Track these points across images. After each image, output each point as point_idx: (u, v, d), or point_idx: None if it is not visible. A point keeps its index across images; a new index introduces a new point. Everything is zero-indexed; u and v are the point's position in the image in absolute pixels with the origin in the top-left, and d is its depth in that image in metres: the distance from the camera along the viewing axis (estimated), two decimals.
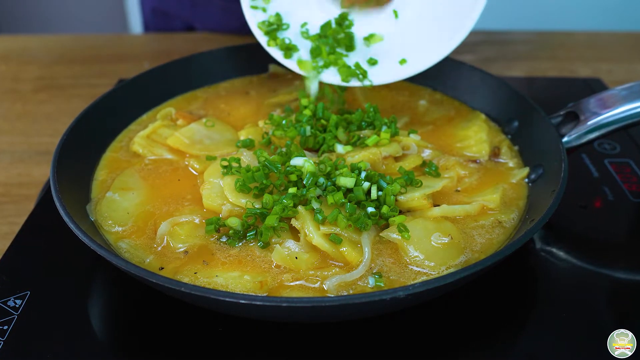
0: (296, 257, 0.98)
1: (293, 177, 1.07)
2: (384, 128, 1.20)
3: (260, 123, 1.28)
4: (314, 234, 0.99)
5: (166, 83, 1.45)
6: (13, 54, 2.08)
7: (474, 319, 0.99)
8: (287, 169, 1.09)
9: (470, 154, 1.25)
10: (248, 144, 1.22)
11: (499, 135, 1.31)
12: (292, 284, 0.96)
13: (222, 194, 1.08)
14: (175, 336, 0.96)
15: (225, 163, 1.12)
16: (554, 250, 1.13)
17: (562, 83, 1.79)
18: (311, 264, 0.98)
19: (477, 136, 1.26)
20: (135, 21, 3.93)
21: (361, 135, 1.20)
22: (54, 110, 1.74)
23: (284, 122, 1.23)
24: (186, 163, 1.22)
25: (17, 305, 0.99)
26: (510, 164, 1.22)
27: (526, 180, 1.17)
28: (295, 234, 1.02)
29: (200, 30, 2.19)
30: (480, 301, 1.01)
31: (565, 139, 1.16)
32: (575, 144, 1.16)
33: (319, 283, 0.95)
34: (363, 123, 1.24)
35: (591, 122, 1.14)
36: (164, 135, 1.28)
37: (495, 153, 1.23)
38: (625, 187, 1.28)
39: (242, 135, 1.26)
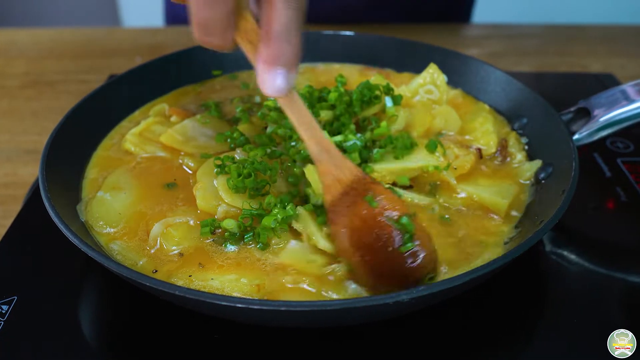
0: (310, 261, 0.94)
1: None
2: (390, 104, 1.19)
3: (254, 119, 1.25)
4: (318, 238, 0.95)
5: (159, 78, 1.41)
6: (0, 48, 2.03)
7: (481, 324, 0.96)
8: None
9: (477, 146, 1.21)
10: (243, 143, 1.17)
11: (505, 127, 1.29)
12: (291, 286, 0.92)
13: (217, 194, 1.04)
14: (169, 343, 0.92)
15: (219, 162, 1.08)
16: (565, 253, 1.10)
17: (573, 79, 1.76)
18: (324, 265, 0.95)
19: (483, 128, 1.23)
20: (127, 14, 3.88)
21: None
22: (42, 108, 1.69)
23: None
24: (180, 161, 1.18)
25: (3, 311, 0.96)
26: (519, 156, 1.19)
27: (532, 180, 1.14)
28: (295, 231, 0.99)
29: None
30: (488, 306, 0.99)
31: (576, 137, 1.13)
32: (587, 141, 1.13)
33: (317, 289, 0.92)
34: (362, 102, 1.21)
35: (603, 118, 1.11)
36: (157, 132, 1.24)
37: (503, 145, 1.20)
38: (639, 187, 1.25)
39: (236, 132, 1.22)
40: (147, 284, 0.81)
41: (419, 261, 0.88)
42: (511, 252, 0.86)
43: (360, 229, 0.90)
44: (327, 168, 0.94)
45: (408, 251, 0.88)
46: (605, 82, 1.67)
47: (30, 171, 1.44)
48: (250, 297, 0.89)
